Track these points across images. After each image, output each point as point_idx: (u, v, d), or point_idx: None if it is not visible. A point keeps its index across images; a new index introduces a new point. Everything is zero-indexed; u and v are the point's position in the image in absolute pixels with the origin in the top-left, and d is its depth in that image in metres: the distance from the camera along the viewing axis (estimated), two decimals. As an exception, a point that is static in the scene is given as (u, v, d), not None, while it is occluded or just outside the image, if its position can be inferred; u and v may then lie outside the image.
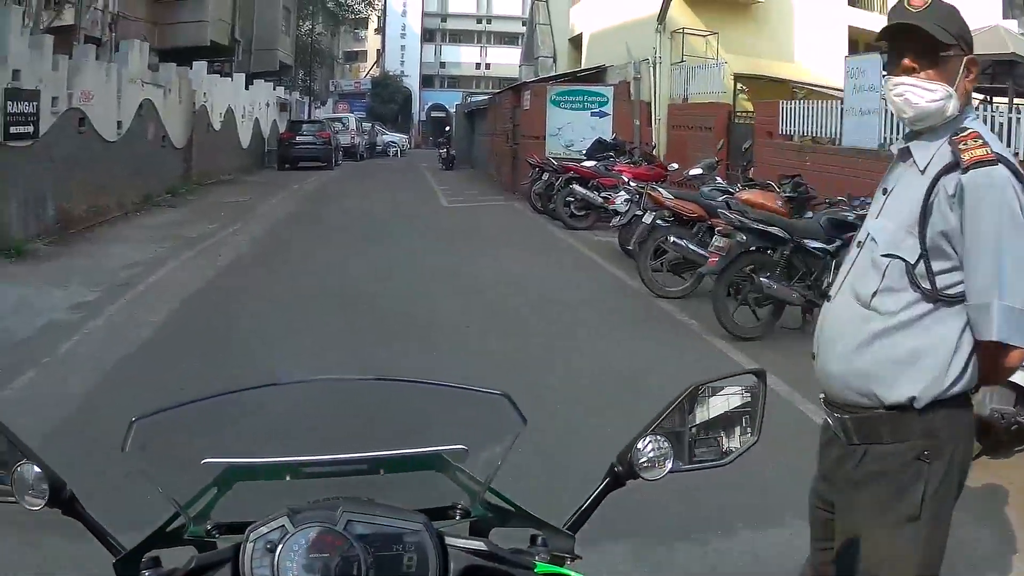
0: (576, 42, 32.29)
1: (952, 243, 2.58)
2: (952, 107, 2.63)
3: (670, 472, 1.73)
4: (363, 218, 19.49)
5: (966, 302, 2.59)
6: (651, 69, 23.10)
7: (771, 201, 11.07)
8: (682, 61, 22.73)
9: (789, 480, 5.54)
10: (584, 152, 19.99)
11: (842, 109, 14.92)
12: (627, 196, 13.37)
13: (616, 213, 13.61)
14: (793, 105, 16.98)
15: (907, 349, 2.63)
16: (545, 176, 19.37)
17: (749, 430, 1.82)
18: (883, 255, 2.66)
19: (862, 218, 9.41)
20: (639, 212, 12.61)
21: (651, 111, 23.20)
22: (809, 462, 5.58)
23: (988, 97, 19.60)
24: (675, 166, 16.73)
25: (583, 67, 28.88)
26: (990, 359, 2.64)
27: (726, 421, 1.81)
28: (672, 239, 11.23)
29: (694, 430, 1.78)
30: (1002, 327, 2.52)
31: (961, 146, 2.57)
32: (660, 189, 12.12)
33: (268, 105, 38.73)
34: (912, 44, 2.64)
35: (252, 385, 1.74)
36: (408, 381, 1.78)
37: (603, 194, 15.99)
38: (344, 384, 2.03)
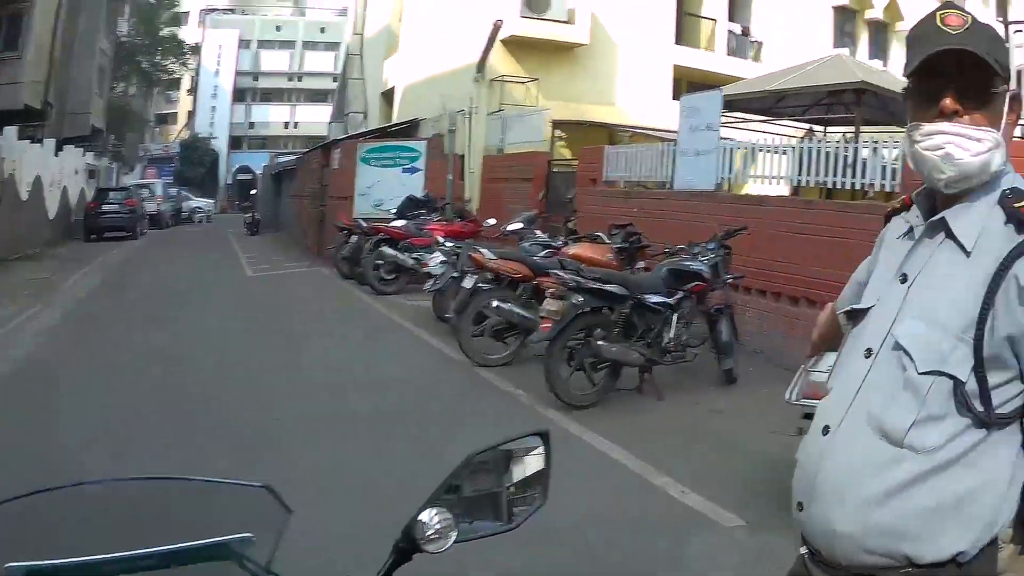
0: (389, 96, 31.82)
1: (1016, 348, 1.99)
2: (998, 160, 2.06)
3: (456, 542, 1.73)
4: (163, 294, 18.08)
5: None
6: (466, 120, 22.77)
7: (601, 254, 11.01)
8: (500, 110, 22.47)
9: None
10: (394, 211, 19.50)
11: (675, 151, 14.62)
12: (443, 258, 12.78)
13: (430, 276, 12.99)
14: (618, 150, 16.69)
15: (952, 494, 2.01)
16: (353, 239, 18.69)
17: (537, 493, 1.87)
18: (923, 373, 2.02)
19: (707, 266, 9.23)
20: (456, 274, 12.04)
21: (464, 164, 22.84)
22: (683, 546, 5.66)
23: (812, 128, 19.91)
24: (492, 221, 16.49)
25: (395, 122, 28.33)
26: None
27: (513, 485, 1.85)
28: (496, 303, 10.78)
29: (480, 497, 1.81)
30: None
31: None
32: (481, 250, 11.55)
33: (77, 172, 37.89)
34: (954, 78, 2.05)
35: (18, 495, 1.73)
36: (175, 479, 1.93)
37: (415, 255, 15.57)
38: (123, 484, 2.03)
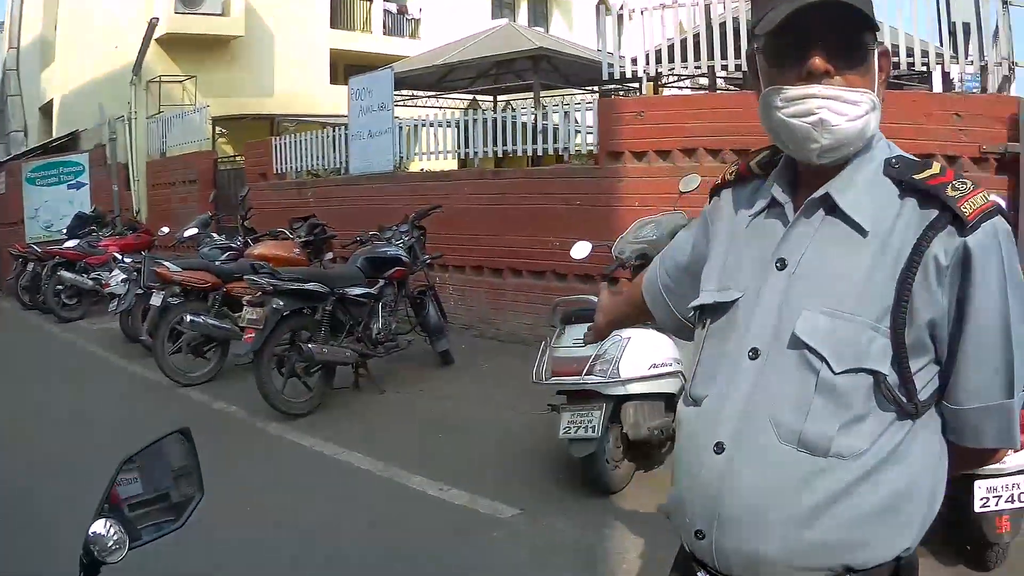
0: (47, 110, 28.91)
1: (935, 332, 1.71)
2: (874, 123, 1.73)
3: (132, 548, 1.67)
4: None
5: (950, 403, 1.76)
6: (126, 126, 20.82)
7: (288, 251, 10.38)
8: (159, 112, 20.71)
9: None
10: (65, 231, 17.47)
11: (346, 135, 13.75)
12: (123, 275, 11.26)
13: (114, 296, 11.46)
14: (287, 140, 15.56)
15: (889, 494, 1.71)
16: (30, 266, 16.58)
17: (193, 488, 1.86)
18: (842, 372, 1.68)
19: (404, 250, 8.09)
20: (140, 291, 10.60)
21: (128, 172, 20.97)
22: (469, 546, 5.20)
23: (476, 98, 19.72)
24: (165, 230, 15.12)
25: (55, 137, 25.74)
26: (974, 461, 1.89)
27: (171, 484, 1.84)
28: (190, 318, 9.62)
29: (142, 501, 1.77)
30: (1015, 432, 1.75)
31: (951, 191, 1.65)
32: (164, 262, 10.25)
33: None
34: (822, 35, 1.68)
35: None
36: None
37: (93, 275, 13.94)
38: None
